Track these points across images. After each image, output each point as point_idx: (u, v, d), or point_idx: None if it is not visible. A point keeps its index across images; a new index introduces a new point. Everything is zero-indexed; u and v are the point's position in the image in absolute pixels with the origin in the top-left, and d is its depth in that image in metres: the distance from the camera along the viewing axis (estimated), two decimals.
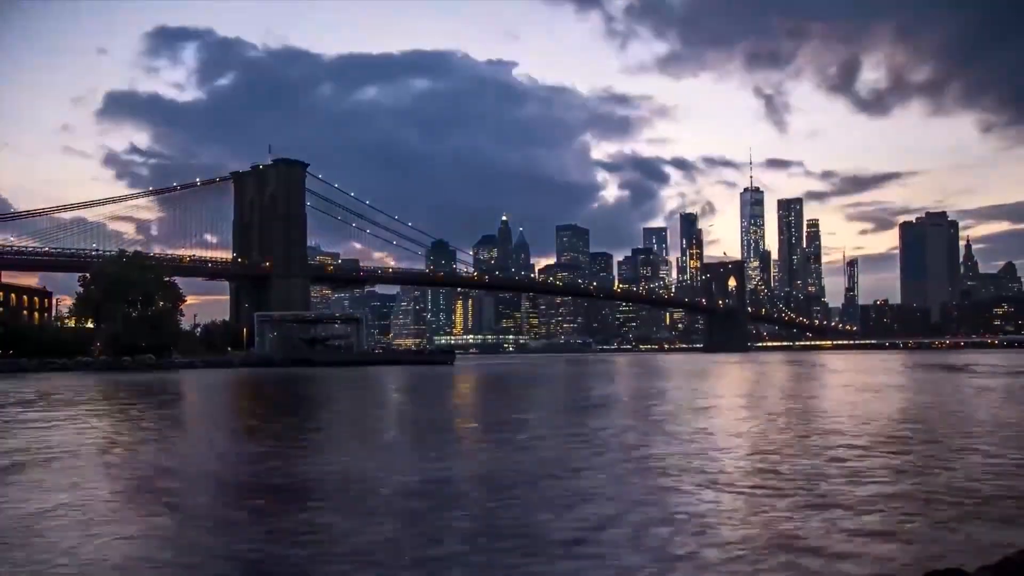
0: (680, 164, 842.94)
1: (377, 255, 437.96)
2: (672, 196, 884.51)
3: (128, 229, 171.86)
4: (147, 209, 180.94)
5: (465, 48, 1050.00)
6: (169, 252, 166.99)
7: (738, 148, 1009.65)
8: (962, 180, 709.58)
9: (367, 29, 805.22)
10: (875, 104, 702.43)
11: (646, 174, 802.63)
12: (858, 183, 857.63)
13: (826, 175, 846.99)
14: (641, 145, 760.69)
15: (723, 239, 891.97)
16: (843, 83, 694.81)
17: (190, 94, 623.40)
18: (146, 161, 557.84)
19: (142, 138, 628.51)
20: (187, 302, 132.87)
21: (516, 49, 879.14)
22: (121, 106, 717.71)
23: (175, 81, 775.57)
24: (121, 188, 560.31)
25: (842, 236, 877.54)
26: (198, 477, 15.41)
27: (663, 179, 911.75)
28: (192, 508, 12.29)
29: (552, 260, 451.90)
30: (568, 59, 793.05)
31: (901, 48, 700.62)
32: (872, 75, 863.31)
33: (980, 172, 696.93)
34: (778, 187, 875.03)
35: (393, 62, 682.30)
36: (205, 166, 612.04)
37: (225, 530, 10.65)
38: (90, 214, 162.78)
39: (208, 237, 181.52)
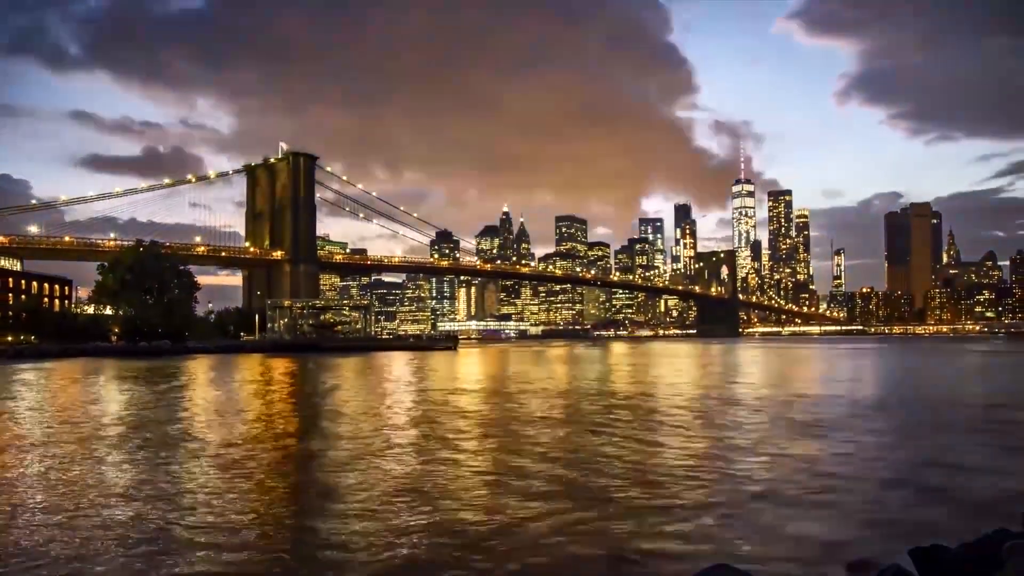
0: None
1: (383, 244, 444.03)
2: None
3: (143, 219, 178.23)
4: (163, 199, 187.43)
5: None
6: (184, 241, 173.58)
7: None
8: None
9: None
10: None
11: None
12: None
13: None
14: None
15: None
16: None
17: None
18: None
19: None
20: (202, 284, 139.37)
21: None
22: None
23: None
24: None
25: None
26: None
27: None
28: None
29: (551, 249, 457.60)
30: None
31: None
32: None
33: None
34: None
35: None
36: None
37: None
38: (106, 205, 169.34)
39: (221, 226, 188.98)
